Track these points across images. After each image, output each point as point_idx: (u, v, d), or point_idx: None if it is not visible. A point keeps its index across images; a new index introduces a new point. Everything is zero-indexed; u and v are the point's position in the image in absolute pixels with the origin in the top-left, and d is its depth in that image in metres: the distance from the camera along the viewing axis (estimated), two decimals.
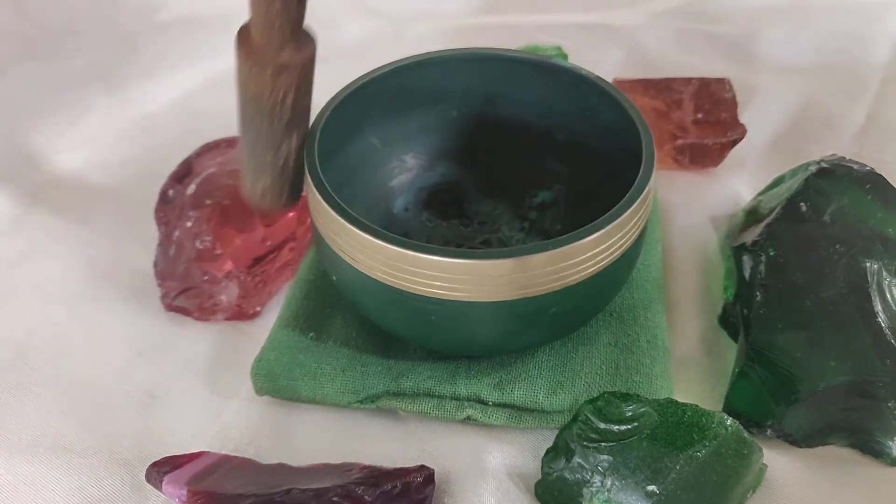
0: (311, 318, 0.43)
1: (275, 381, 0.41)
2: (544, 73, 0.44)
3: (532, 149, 0.46)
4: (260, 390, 0.41)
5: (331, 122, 0.41)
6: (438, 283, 0.34)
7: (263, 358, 0.41)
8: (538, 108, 0.45)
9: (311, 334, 0.42)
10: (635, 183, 0.36)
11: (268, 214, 0.46)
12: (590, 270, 0.35)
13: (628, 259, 0.38)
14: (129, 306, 0.47)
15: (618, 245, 0.36)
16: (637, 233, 0.37)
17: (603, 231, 0.34)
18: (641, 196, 0.36)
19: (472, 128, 0.47)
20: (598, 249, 0.35)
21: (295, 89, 0.36)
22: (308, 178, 0.38)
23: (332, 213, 0.36)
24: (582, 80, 0.42)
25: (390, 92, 0.44)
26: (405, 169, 0.47)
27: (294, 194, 0.41)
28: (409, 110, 0.46)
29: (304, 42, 0.36)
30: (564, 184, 0.46)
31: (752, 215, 0.45)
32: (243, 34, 0.36)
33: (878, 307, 0.38)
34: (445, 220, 0.47)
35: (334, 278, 0.40)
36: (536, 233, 0.47)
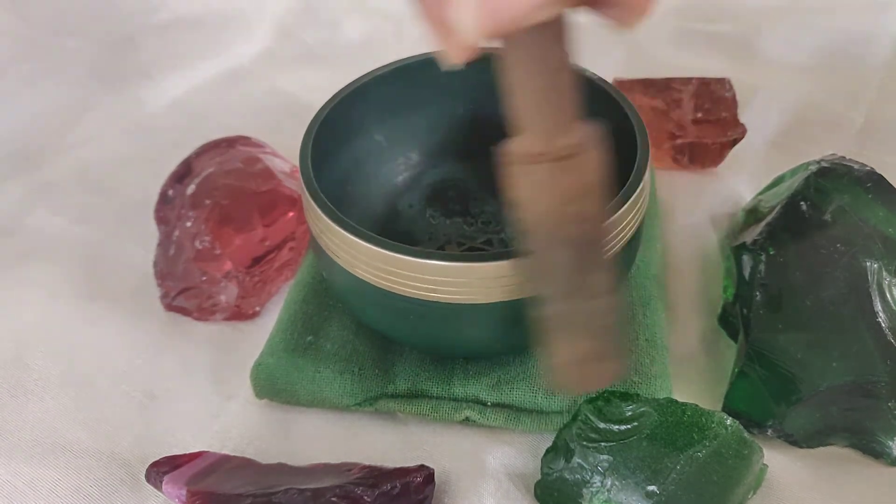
0: (308, 322, 0.43)
1: (274, 385, 0.41)
2: None
3: None
4: (259, 394, 0.41)
5: (332, 118, 0.40)
6: (418, 285, 0.34)
7: (262, 362, 0.41)
8: None
9: (309, 338, 0.42)
10: (625, 187, 0.36)
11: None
12: None
13: (620, 262, 0.37)
14: (129, 306, 0.47)
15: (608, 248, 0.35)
16: (629, 234, 0.36)
17: None
18: (631, 200, 0.35)
19: (478, 127, 0.47)
20: None
21: (593, 187, 0.28)
22: (300, 177, 0.37)
23: (319, 211, 0.36)
24: (585, 81, 0.42)
25: (395, 89, 0.44)
26: (410, 166, 0.47)
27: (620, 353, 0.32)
28: (414, 108, 0.46)
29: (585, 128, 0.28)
30: None
31: (752, 215, 0.45)
32: (507, 147, 0.28)
33: (879, 307, 0.38)
34: (449, 217, 0.47)
35: (325, 275, 0.40)
36: None
